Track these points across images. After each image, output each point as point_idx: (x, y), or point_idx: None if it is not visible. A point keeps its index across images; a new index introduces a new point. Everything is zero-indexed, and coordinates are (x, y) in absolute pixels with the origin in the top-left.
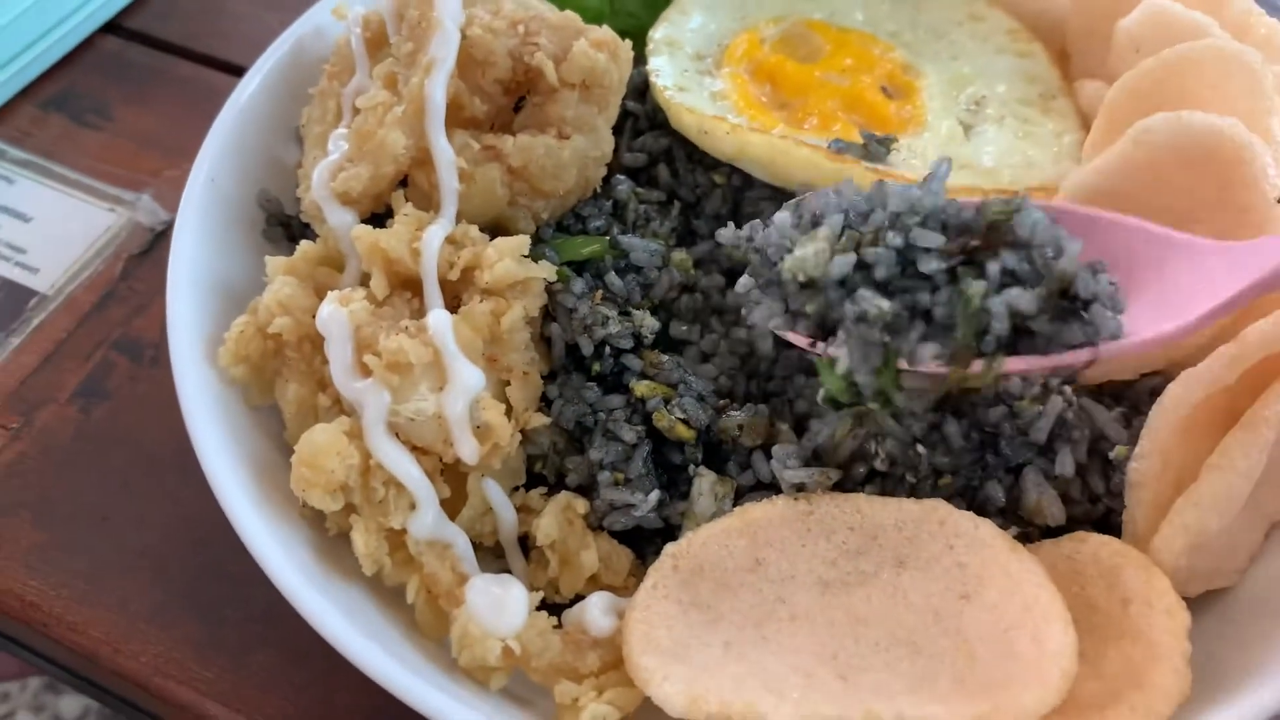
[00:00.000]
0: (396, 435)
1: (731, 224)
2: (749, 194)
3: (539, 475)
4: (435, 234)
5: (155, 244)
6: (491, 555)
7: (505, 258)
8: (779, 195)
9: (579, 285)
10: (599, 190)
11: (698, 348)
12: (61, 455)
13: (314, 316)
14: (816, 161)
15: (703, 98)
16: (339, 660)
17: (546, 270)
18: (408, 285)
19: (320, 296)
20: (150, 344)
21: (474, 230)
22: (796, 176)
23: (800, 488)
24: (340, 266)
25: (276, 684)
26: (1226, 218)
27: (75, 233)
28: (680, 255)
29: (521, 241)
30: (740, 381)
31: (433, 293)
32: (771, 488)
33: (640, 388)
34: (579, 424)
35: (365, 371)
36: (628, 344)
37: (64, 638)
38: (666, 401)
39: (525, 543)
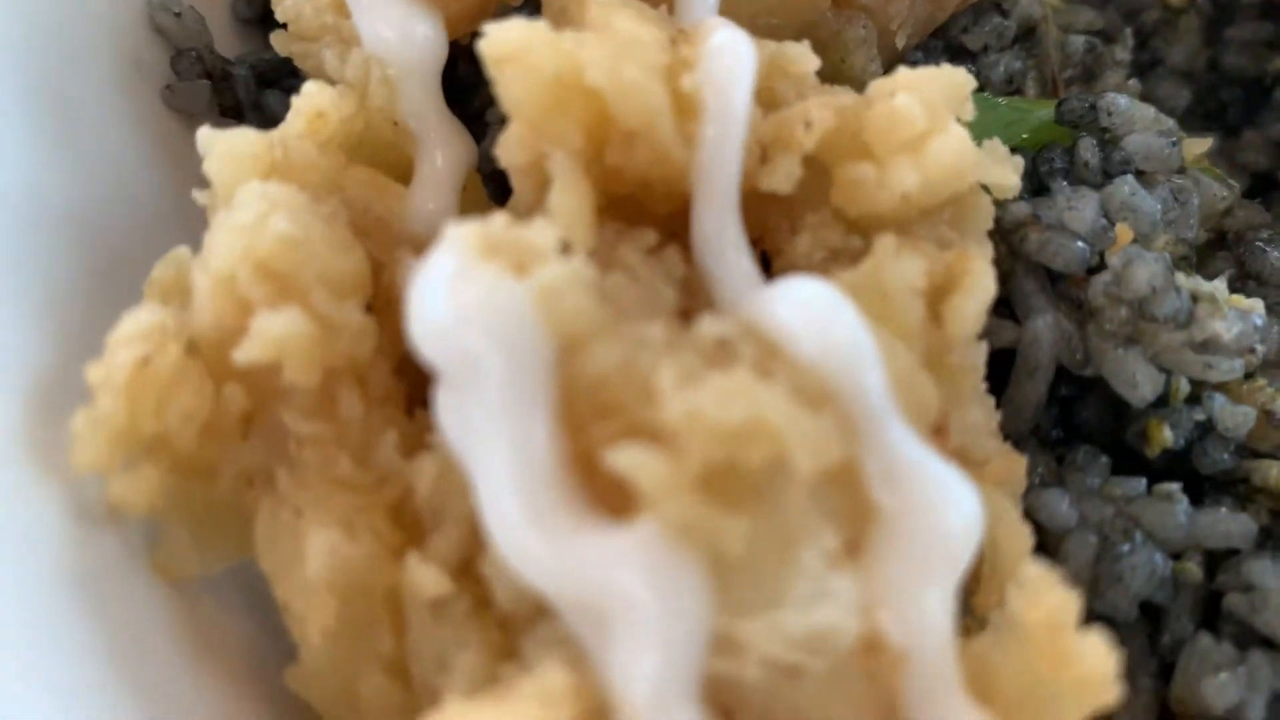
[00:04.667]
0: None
1: None
2: (1237, 30)
3: None
4: (730, 49)
5: None
6: None
7: (944, 128)
8: None
9: (1086, 207)
10: None
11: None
12: None
13: (367, 311)
14: None
15: None
16: None
17: (1008, 169)
18: (623, 207)
19: (367, 244)
20: None
21: (803, 53)
22: None
23: None
24: (398, 167)
25: None
26: None
27: None
28: (1196, 145)
29: (961, 82)
30: None
31: (729, 224)
32: None
33: None
34: (1148, 605)
35: (608, 500)
36: (1226, 369)
37: None
38: None
39: None
